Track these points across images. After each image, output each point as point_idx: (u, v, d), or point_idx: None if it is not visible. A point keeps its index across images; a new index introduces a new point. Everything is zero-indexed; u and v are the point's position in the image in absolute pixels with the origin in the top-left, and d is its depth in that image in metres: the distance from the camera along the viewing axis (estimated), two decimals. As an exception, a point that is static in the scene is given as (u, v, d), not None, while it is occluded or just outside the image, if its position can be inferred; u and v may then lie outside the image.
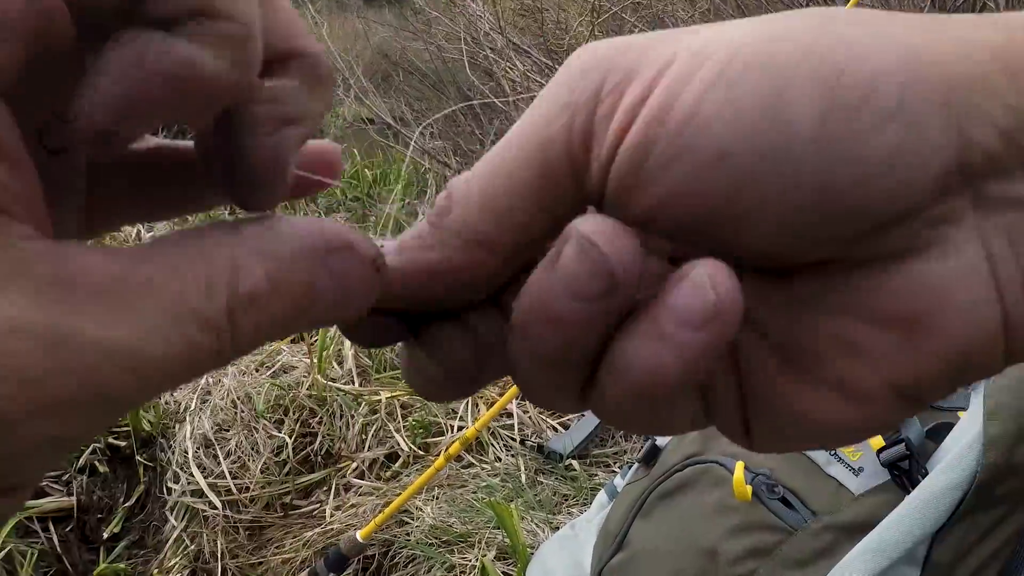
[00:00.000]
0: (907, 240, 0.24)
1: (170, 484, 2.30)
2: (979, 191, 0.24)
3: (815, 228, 0.24)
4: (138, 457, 2.39)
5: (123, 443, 2.44)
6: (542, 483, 2.21)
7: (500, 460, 2.33)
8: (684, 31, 0.25)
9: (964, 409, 0.93)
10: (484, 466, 2.31)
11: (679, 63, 0.24)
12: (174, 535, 2.18)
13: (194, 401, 2.50)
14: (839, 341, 0.25)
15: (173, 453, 2.36)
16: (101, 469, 2.39)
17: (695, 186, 0.24)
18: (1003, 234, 0.24)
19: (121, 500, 2.35)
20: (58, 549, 2.15)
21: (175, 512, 2.24)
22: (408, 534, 2.08)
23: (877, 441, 0.89)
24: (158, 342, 0.21)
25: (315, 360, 2.50)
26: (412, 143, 4.80)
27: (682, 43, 0.25)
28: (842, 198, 0.23)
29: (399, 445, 2.41)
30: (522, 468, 2.26)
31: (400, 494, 1.96)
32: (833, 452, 0.93)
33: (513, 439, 2.41)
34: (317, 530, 2.13)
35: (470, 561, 1.96)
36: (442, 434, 2.44)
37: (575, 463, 2.24)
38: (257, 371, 2.56)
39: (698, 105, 0.23)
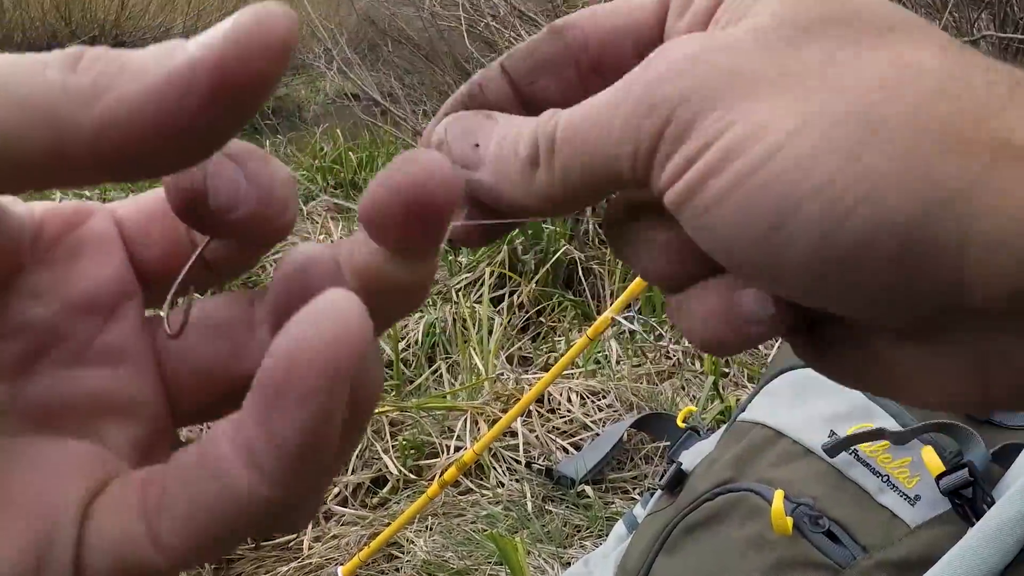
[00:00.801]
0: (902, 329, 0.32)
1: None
2: (975, 318, 0.30)
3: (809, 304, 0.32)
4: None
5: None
6: (551, 512, 2.21)
7: (503, 486, 2.33)
8: (756, 89, 0.31)
9: (1036, 429, 0.93)
10: (485, 492, 2.31)
11: (723, 147, 0.30)
12: (130, 570, 2.18)
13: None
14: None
15: (129, 476, 2.37)
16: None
17: (713, 247, 0.32)
18: (995, 350, 0.31)
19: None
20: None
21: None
22: (397, 569, 2.08)
23: (936, 466, 0.89)
24: None
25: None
26: (403, 122, 4.80)
27: (740, 116, 0.30)
28: (829, 306, 0.31)
29: (387, 468, 2.41)
30: (528, 495, 2.26)
31: (389, 524, 1.96)
32: (886, 479, 0.93)
33: (518, 462, 2.41)
34: (293, 564, 2.13)
35: (468, 601, 1.97)
36: (437, 456, 2.44)
37: (589, 489, 2.24)
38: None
39: (720, 199, 0.30)
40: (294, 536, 2.21)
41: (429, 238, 0.28)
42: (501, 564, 1.95)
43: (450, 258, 3.50)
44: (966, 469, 0.86)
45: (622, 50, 0.37)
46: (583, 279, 3.34)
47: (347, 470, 2.39)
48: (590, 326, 1.85)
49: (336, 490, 2.33)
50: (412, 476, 2.39)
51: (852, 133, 0.29)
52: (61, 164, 0.23)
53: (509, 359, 2.98)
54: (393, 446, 2.47)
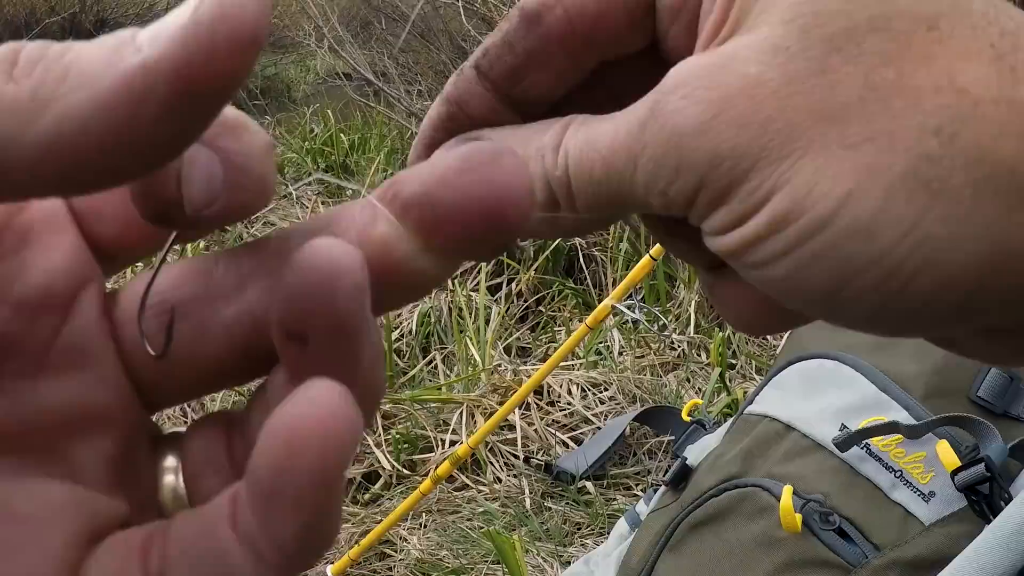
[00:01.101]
0: None
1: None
2: None
3: None
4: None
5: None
6: (550, 509, 2.22)
7: (500, 481, 2.33)
8: (793, 143, 0.29)
9: (1056, 422, 0.93)
10: (481, 488, 2.31)
11: (770, 213, 0.29)
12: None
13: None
14: None
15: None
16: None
17: (766, 290, 0.32)
18: None
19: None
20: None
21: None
22: (390, 568, 2.08)
23: (952, 461, 0.89)
24: None
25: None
26: (396, 102, 4.79)
27: (783, 179, 0.29)
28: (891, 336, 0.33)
29: (380, 463, 2.41)
30: (526, 491, 2.26)
31: (381, 521, 1.96)
32: (899, 474, 0.93)
33: (516, 456, 2.41)
34: (282, 563, 2.13)
35: (464, 601, 1.97)
36: (431, 450, 2.44)
37: (589, 485, 2.24)
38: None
39: (772, 262, 0.30)
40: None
41: (491, 248, 0.26)
42: (498, 563, 1.95)
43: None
44: (983, 464, 0.86)
45: (615, 20, 0.35)
46: (584, 266, 3.33)
47: (338, 465, 2.39)
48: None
49: (326, 486, 2.33)
50: (405, 471, 2.39)
51: (909, 199, 0.28)
52: (1, 184, 0.21)
53: (507, 350, 2.98)
54: (385, 440, 2.47)
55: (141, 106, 0.21)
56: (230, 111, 0.26)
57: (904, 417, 0.95)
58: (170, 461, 0.28)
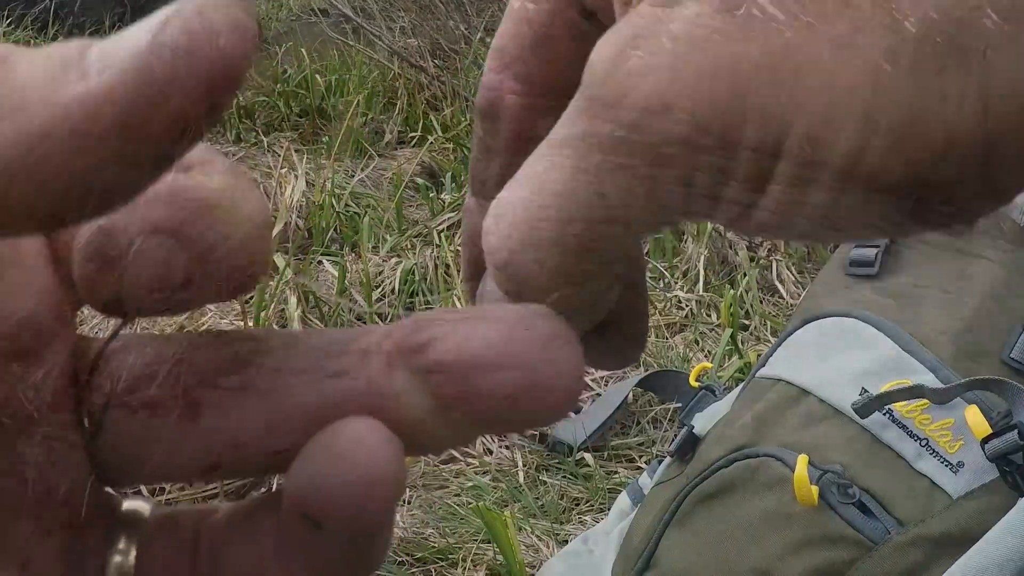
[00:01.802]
0: None
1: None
2: None
3: None
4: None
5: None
6: (545, 483, 2.22)
7: (491, 453, 2.34)
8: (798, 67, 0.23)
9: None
10: (470, 461, 2.31)
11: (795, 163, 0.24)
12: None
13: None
14: None
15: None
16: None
17: None
18: None
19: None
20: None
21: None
22: (372, 548, 2.09)
23: (982, 428, 0.89)
24: None
25: (250, 323, 2.50)
26: (377, 40, 4.77)
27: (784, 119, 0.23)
28: None
29: (360, 434, 2.41)
30: (520, 464, 2.27)
31: (361, 497, 1.96)
32: (925, 443, 0.93)
33: (508, 426, 2.41)
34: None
35: (452, 583, 1.98)
36: (416, 420, 2.45)
37: (588, 457, 2.25)
38: (175, 338, 2.56)
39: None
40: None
41: (522, 429, 0.25)
42: (489, 542, 1.96)
43: (432, 196, 3.48)
44: (1015, 431, 0.86)
45: (565, 56, 0.31)
46: (583, 219, 3.33)
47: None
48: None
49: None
50: (388, 443, 2.40)
51: (943, 67, 0.22)
52: None
53: (499, 310, 2.98)
54: (367, 409, 2.47)
55: (79, 148, 0.18)
56: (212, 181, 0.23)
57: (930, 380, 0.95)
58: (121, 546, 0.26)
